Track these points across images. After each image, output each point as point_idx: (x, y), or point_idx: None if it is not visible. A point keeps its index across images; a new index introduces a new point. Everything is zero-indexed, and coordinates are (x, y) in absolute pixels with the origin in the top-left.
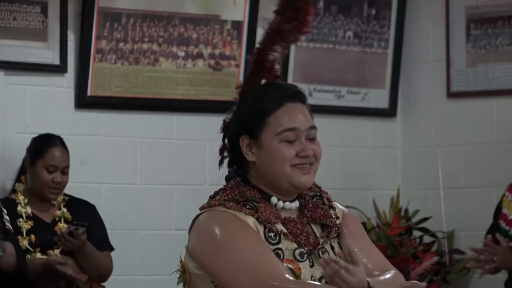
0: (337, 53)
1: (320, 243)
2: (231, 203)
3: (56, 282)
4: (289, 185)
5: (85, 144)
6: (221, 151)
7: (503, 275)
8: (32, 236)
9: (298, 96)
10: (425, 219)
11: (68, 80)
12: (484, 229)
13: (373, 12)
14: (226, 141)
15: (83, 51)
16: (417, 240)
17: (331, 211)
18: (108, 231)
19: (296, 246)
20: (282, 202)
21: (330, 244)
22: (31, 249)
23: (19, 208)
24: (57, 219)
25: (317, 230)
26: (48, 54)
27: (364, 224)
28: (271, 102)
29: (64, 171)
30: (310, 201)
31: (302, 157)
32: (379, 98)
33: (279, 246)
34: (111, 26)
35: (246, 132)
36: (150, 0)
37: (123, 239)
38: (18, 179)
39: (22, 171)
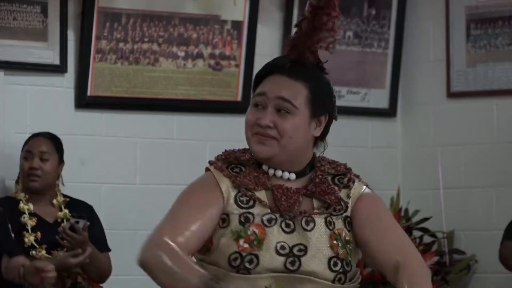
0: (337, 53)
1: (307, 211)
2: (219, 163)
3: (62, 282)
4: (253, 155)
5: (85, 144)
6: None
7: (503, 275)
8: (38, 233)
9: (284, 68)
10: (425, 219)
11: (68, 80)
12: (484, 229)
13: (373, 12)
14: None
15: (83, 51)
16: (417, 240)
17: (343, 191)
18: (108, 231)
19: (268, 211)
20: (273, 169)
21: (328, 219)
22: (37, 246)
23: (21, 205)
24: (59, 220)
25: (317, 204)
26: (48, 54)
27: None
28: (264, 70)
29: (43, 156)
30: (321, 176)
31: (258, 126)
32: (379, 98)
33: (251, 210)
34: (111, 26)
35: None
36: (150, 0)
37: (123, 239)
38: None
39: None
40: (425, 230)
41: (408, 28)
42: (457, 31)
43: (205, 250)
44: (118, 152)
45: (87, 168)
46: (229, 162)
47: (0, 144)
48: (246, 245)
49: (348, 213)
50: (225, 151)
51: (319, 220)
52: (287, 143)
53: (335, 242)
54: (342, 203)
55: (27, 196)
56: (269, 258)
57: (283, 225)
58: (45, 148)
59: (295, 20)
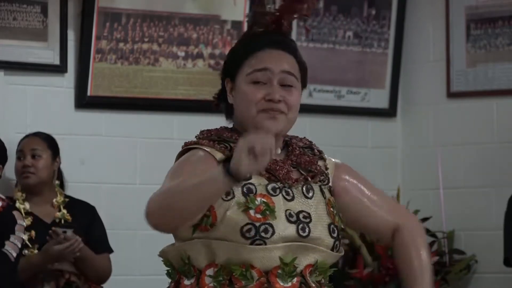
0: (337, 53)
1: (308, 179)
2: (204, 141)
3: (55, 281)
4: (256, 130)
5: (85, 144)
6: (217, 95)
7: (503, 275)
8: (33, 232)
9: (281, 43)
10: (425, 219)
11: (68, 80)
12: (484, 229)
13: (373, 12)
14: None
15: (83, 51)
16: None
17: (320, 162)
18: (108, 231)
19: (267, 182)
20: None
21: (320, 188)
22: (30, 245)
23: (17, 204)
24: (57, 220)
25: (304, 173)
26: (48, 54)
27: None
28: (251, 45)
29: (34, 153)
30: (298, 149)
31: (268, 101)
32: (379, 98)
33: (250, 181)
34: (111, 26)
35: (228, 75)
36: (150, 0)
37: (123, 239)
38: None
39: None
40: (425, 230)
41: (408, 28)
42: (457, 31)
43: (208, 226)
44: (118, 152)
45: (87, 168)
46: (212, 139)
47: None
48: (258, 215)
49: (330, 183)
50: (202, 131)
51: (316, 188)
52: (292, 116)
53: (331, 209)
54: (324, 174)
55: (24, 196)
56: (283, 226)
57: (283, 193)
58: (36, 145)
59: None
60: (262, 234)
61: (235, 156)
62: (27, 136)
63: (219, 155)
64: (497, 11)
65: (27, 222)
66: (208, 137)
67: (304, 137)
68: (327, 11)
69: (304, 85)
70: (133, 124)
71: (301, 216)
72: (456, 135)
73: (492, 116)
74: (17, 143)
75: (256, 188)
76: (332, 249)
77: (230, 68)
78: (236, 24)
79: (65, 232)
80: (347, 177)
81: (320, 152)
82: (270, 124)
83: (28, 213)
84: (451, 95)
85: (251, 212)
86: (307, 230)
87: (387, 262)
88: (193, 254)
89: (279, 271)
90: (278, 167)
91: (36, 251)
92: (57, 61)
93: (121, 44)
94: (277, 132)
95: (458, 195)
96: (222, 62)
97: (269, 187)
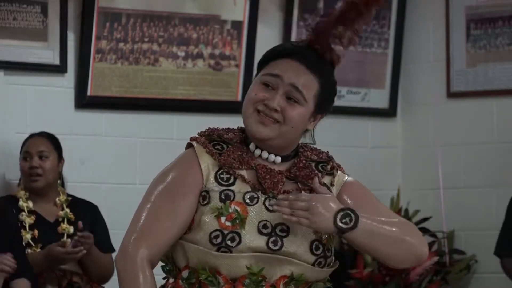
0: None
1: (292, 191)
2: (202, 138)
3: (58, 281)
4: (249, 131)
5: (85, 144)
6: None
7: (503, 275)
8: (36, 231)
9: (306, 59)
10: (425, 219)
11: (68, 80)
12: (484, 229)
13: (373, 12)
14: None
15: (83, 51)
16: None
17: (327, 178)
18: (108, 231)
19: (249, 189)
20: (260, 150)
21: None
22: (33, 244)
23: (20, 202)
24: (60, 219)
25: (302, 187)
26: (48, 54)
27: None
28: (276, 52)
29: (42, 155)
30: (304, 162)
31: (265, 106)
32: (379, 98)
33: (231, 188)
34: (111, 26)
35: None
36: (150, 0)
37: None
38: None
39: None
40: (425, 230)
41: (408, 28)
42: (457, 31)
43: (187, 229)
44: (118, 152)
45: (87, 168)
46: (211, 139)
47: (0, 144)
48: (228, 223)
49: None
50: (209, 128)
51: None
52: (287, 130)
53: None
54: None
55: (27, 194)
56: (251, 237)
57: (266, 203)
58: (43, 147)
59: (295, 20)
60: (228, 242)
61: None
62: (31, 136)
63: (205, 163)
64: (497, 11)
65: (30, 220)
66: (209, 135)
67: (326, 152)
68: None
69: (321, 111)
70: (133, 124)
71: (278, 228)
72: (456, 135)
73: (492, 116)
74: (21, 143)
75: (234, 195)
76: (313, 265)
77: (258, 67)
78: (236, 24)
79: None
80: (353, 196)
81: (334, 168)
82: (258, 127)
83: (31, 212)
84: (451, 95)
85: (222, 219)
86: (279, 244)
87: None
88: (174, 255)
89: (246, 280)
90: (268, 176)
91: (39, 250)
92: (57, 61)
93: (121, 44)
94: (265, 139)
95: (458, 195)
96: (222, 62)
97: (247, 195)
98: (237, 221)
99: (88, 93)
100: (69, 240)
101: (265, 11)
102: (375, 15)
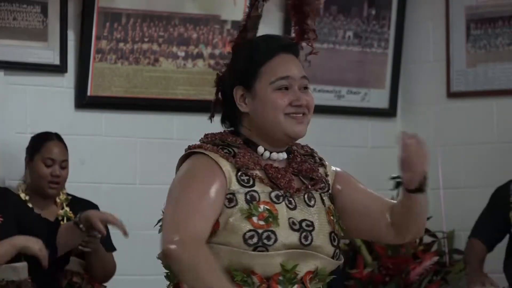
0: (337, 53)
1: (309, 187)
2: (208, 145)
3: (57, 281)
4: (283, 135)
5: (85, 144)
6: (214, 104)
7: (503, 275)
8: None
9: (291, 48)
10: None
11: (68, 80)
12: None
13: (373, 12)
14: (219, 94)
15: (83, 51)
16: (417, 240)
17: (321, 169)
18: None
19: (270, 189)
20: (269, 152)
21: (321, 196)
22: None
23: None
24: (60, 218)
25: (305, 181)
26: (48, 54)
27: None
28: (265, 52)
29: (62, 165)
30: (300, 156)
31: (296, 106)
32: (379, 98)
33: (254, 188)
34: (111, 26)
35: (240, 83)
36: (150, 0)
37: (123, 239)
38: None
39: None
40: (425, 230)
41: (408, 28)
42: (457, 31)
43: (211, 233)
44: (118, 152)
45: (87, 168)
46: (215, 143)
47: (0, 144)
48: (261, 222)
49: (330, 190)
50: (207, 134)
51: (317, 197)
52: (310, 117)
53: (332, 217)
54: (324, 181)
55: (27, 197)
56: (286, 234)
57: (286, 201)
58: (65, 156)
59: None
60: (265, 241)
61: None
62: (50, 139)
63: (225, 166)
64: (497, 11)
65: None
66: (212, 141)
67: (306, 145)
68: (327, 11)
69: None
70: (133, 124)
71: (304, 224)
72: (456, 135)
73: (492, 116)
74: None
75: (259, 196)
76: (332, 257)
77: (244, 76)
78: (236, 24)
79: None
80: (345, 185)
81: (321, 159)
82: (300, 128)
83: None
84: (451, 95)
85: (254, 219)
86: (309, 238)
87: (387, 262)
88: None
89: (280, 277)
90: (280, 175)
91: None
92: (57, 61)
93: (121, 44)
94: (304, 134)
95: (458, 195)
96: (222, 62)
97: (272, 194)
98: (270, 219)
99: (88, 93)
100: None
101: (265, 11)
102: (375, 15)
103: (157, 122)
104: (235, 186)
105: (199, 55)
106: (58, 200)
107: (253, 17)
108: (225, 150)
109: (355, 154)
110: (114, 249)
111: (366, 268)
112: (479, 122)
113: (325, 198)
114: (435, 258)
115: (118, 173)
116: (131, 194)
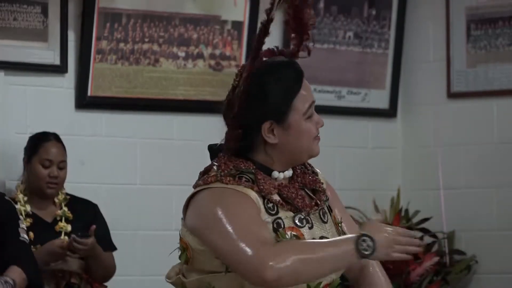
0: (337, 54)
1: (319, 203)
2: (228, 178)
3: (56, 282)
4: (308, 157)
5: (85, 144)
6: (234, 140)
7: (503, 275)
8: (31, 233)
9: (302, 71)
10: (426, 219)
11: (68, 80)
12: (484, 229)
13: (374, 12)
14: (237, 129)
15: (84, 51)
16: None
17: (316, 178)
18: (109, 230)
19: (292, 214)
20: (282, 173)
21: (328, 209)
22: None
23: (18, 206)
24: (58, 218)
25: (310, 193)
26: (48, 55)
27: None
28: (292, 84)
29: (60, 165)
30: (298, 168)
31: (317, 129)
32: (379, 98)
33: (279, 215)
34: (112, 26)
35: (269, 118)
36: (150, 1)
37: (123, 239)
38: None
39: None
40: (425, 231)
41: (408, 28)
42: (457, 31)
43: None
44: (118, 152)
45: (87, 168)
46: (232, 175)
47: (0, 144)
48: None
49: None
50: (220, 165)
51: (326, 210)
52: None
53: (340, 228)
54: (324, 190)
55: (25, 198)
56: None
57: (306, 223)
58: (63, 157)
59: None
60: None
61: (383, 243)
62: (48, 140)
63: (253, 195)
64: (497, 12)
65: (26, 223)
66: (229, 172)
67: None
68: (327, 11)
69: None
70: (133, 125)
71: None
72: (456, 136)
73: (492, 116)
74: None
75: (283, 222)
76: None
77: (276, 111)
78: (237, 25)
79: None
80: (331, 197)
81: (311, 166)
82: (318, 149)
83: (28, 215)
84: (451, 95)
85: None
86: None
87: (387, 262)
88: (220, 287)
89: None
90: (294, 195)
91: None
92: (57, 62)
93: (121, 45)
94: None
95: (458, 195)
96: (222, 63)
97: (296, 219)
98: None
99: (89, 94)
100: (66, 238)
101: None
102: (375, 15)
103: (157, 123)
104: (264, 215)
105: (200, 56)
106: (56, 200)
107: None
108: (244, 179)
109: (355, 154)
110: (114, 248)
111: None
112: (479, 123)
113: (326, 209)
114: (436, 259)
115: (118, 173)
116: (131, 195)
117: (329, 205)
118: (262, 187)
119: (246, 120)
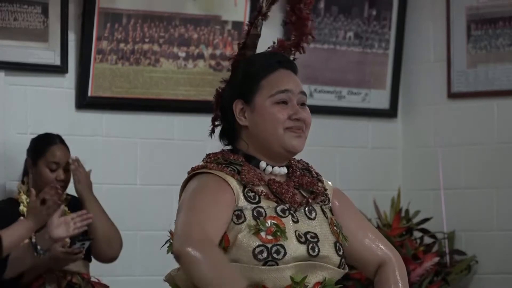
0: (337, 54)
1: (310, 201)
2: (213, 164)
3: (57, 282)
4: (281, 149)
5: (86, 144)
6: (213, 120)
7: (503, 276)
8: (32, 234)
9: (289, 64)
10: (426, 219)
11: (69, 80)
12: (484, 229)
13: (374, 12)
14: (218, 110)
15: (84, 51)
16: (418, 241)
17: (319, 184)
18: None
19: (275, 204)
20: (271, 167)
21: (322, 209)
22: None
23: (21, 207)
24: None
25: (306, 194)
26: (49, 55)
27: None
28: (265, 66)
29: (66, 167)
30: (298, 170)
31: (294, 120)
32: (379, 98)
33: (260, 204)
34: (112, 26)
35: (239, 97)
36: (150, 1)
37: (123, 240)
38: (22, 181)
39: (25, 173)
40: (425, 231)
41: (408, 28)
42: (457, 31)
43: (222, 250)
44: (119, 152)
45: (87, 169)
46: (219, 163)
47: (1, 144)
48: (269, 237)
49: (330, 204)
50: (208, 154)
51: (318, 209)
52: (307, 134)
53: (335, 228)
54: (324, 194)
55: (28, 199)
56: (294, 247)
57: (291, 215)
58: (68, 159)
59: None
60: (274, 255)
61: None
62: (54, 143)
63: (233, 183)
64: (497, 12)
65: None
66: (216, 160)
67: (301, 159)
68: (328, 11)
69: None
70: (133, 125)
71: (308, 236)
72: (456, 136)
73: (492, 116)
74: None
75: (265, 211)
76: (338, 266)
77: (244, 90)
78: (237, 25)
79: (83, 244)
80: (341, 204)
81: (318, 174)
82: (298, 142)
83: None
84: (452, 95)
85: (262, 234)
86: (316, 249)
87: None
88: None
89: None
90: (283, 190)
91: None
92: (57, 62)
93: (121, 45)
94: (302, 149)
95: (458, 195)
96: (223, 63)
97: (278, 209)
98: (278, 233)
99: (89, 94)
100: (67, 239)
101: None
102: (375, 16)
103: (158, 123)
104: (242, 202)
105: (200, 56)
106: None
107: (252, 35)
108: (229, 168)
109: (356, 154)
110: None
111: None
112: (479, 123)
113: (327, 210)
114: (436, 259)
115: (119, 173)
116: (131, 195)
117: (331, 209)
118: (244, 176)
119: (222, 100)
